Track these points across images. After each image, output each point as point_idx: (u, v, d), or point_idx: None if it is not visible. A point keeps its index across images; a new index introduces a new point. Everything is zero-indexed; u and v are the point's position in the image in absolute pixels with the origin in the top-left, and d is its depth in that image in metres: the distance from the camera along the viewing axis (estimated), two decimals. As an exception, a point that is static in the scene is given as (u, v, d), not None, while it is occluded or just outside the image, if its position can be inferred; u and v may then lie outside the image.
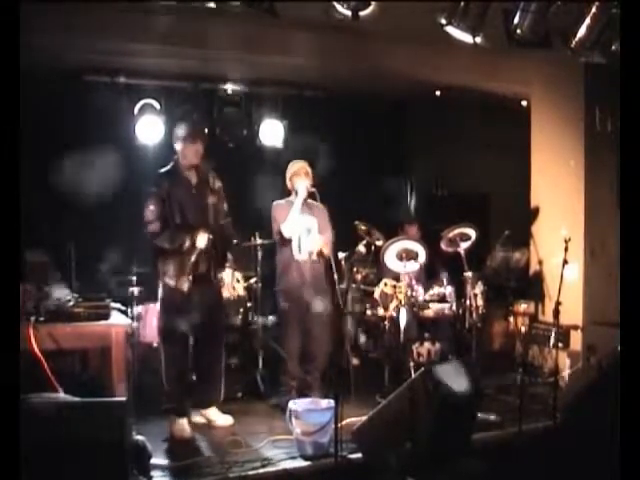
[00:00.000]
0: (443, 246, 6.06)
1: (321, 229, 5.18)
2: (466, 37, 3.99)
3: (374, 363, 5.98)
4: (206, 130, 4.80)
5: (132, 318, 5.21)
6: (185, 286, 4.44)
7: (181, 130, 4.66)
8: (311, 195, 5.07)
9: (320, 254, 5.14)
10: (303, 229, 5.12)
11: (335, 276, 4.60)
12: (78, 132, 6.12)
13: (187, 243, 4.42)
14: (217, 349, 4.79)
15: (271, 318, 6.21)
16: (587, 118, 5.75)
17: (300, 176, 5.12)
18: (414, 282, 5.98)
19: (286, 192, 5.29)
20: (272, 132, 6.78)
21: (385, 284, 5.91)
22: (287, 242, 5.10)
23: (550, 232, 6.02)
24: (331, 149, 6.81)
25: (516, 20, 4.08)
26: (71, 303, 3.88)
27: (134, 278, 5.67)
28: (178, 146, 4.64)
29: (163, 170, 4.67)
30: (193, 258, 4.43)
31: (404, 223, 6.67)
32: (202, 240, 4.43)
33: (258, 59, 5.75)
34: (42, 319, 3.68)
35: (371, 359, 6.21)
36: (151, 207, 4.48)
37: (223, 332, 4.94)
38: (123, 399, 3.26)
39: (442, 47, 4.55)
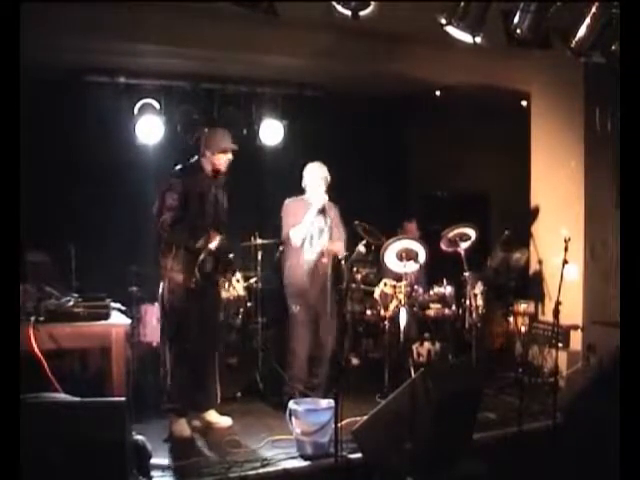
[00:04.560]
0: (443, 246, 6.06)
1: (333, 229, 5.16)
2: (466, 37, 3.98)
3: (374, 363, 5.98)
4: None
5: (132, 318, 5.20)
6: (192, 284, 4.44)
7: (213, 140, 4.66)
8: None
9: (330, 254, 5.13)
10: (315, 229, 5.11)
11: (344, 276, 4.63)
12: (78, 132, 6.12)
13: (202, 241, 4.42)
14: (215, 351, 4.79)
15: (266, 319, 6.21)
16: (587, 118, 5.75)
17: (317, 184, 5.09)
18: (414, 282, 5.99)
19: (286, 192, 5.28)
20: (272, 132, 6.78)
21: (385, 284, 5.91)
22: (295, 248, 5.08)
23: (550, 232, 6.02)
24: (331, 149, 6.81)
25: (516, 20, 4.07)
26: (71, 303, 3.87)
27: (134, 278, 5.67)
28: (207, 153, 4.63)
29: (185, 165, 4.67)
30: (202, 256, 4.43)
31: (404, 223, 6.68)
32: (216, 242, 4.44)
33: (258, 59, 5.75)
34: (42, 319, 3.68)
35: (371, 359, 6.21)
36: (174, 196, 4.44)
37: (220, 334, 4.94)
38: (123, 399, 3.25)
39: (442, 47, 4.54)
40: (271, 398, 5.30)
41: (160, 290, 4.58)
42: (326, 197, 5.06)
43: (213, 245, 4.43)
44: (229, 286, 5.98)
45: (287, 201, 5.18)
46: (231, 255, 4.71)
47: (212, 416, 4.78)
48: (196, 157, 4.69)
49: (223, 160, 4.65)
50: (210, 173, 4.66)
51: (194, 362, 4.65)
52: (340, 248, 5.17)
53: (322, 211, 5.13)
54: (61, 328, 3.72)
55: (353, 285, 6.08)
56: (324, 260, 5.12)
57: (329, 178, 5.14)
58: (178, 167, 4.66)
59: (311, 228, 5.08)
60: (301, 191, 5.22)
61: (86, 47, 5.23)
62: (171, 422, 4.53)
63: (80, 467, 2.86)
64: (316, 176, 5.11)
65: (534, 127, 6.39)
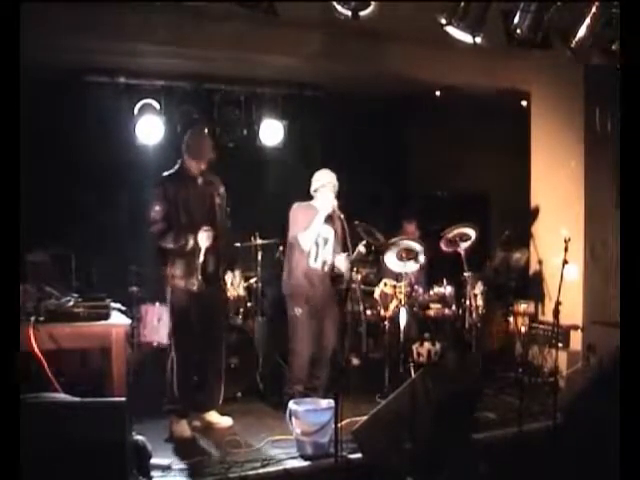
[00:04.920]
0: (443, 246, 6.06)
1: (339, 240, 5.14)
2: (466, 37, 3.98)
3: (374, 363, 5.98)
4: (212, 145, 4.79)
5: (132, 318, 5.21)
6: (195, 286, 4.43)
7: (189, 144, 4.66)
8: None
9: (333, 268, 5.12)
10: (321, 239, 5.08)
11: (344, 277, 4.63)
12: (78, 132, 6.12)
13: (191, 242, 4.42)
14: (218, 352, 4.78)
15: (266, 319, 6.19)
16: (587, 118, 5.75)
17: (326, 190, 5.03)
18: (414, 282, 5.98)
19: (286, 192, 5.27)
20: (272, 132, 6.78)
21: (385, 284, 5.91)
22: (301, 250, 5.06)
23: (550, 232, 6.02)
24: (331, 149, 6.81)
25: (516, 20, 4.07)
26: (71, 303, 3.87)
27: (134, 278, 5.66)
28: (185, 157, 4.64)
29: (169, 172, 4.68)
30: (201, 258, 4.42)
31: (404, 223, 6.67)
32: (204, 238, 4.41)
33: (258, 59, 5.74)
34: (42, 319, 3.68)
35: (371, 359, 6.21)
36: (156, 207, 4.48)
37: (223, 334, 4.94)
38: (123, 399, 3.25)
39: (442, 47, 4.54)
40: (271, 398, 5.30)
41: (167, 297, 4.60)
42: (335, 203, 4.98)
43: (203, 243, 4.41)
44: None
45: (295, 205, 5.13)
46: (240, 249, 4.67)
47: (213, 416, 4.77)
48: (179, 161, 4.69)
49: (198, 166, 4.63)
50: (193, 173, 4.64)
51: (199, 364, 4.65)
52: (342, 263, 5.10)
53: (329, 219, 5.09)
54: (61, 328, 3.72)
55: (353, 285, 6.07)
56: (327, 270, 5.11)
57: (337, 185, 5.09)
58: (163, 175, 4.67)
59: (318, 237, 5.06)
60: (309, 197, 5.18)
61: (86, 47, 5.22)
62: (172, 422, 4.53)
63: (80, 467, 2.86)
64: (325, 182, 5.05)
65: (534, 127, 6.39)
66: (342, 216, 5.03)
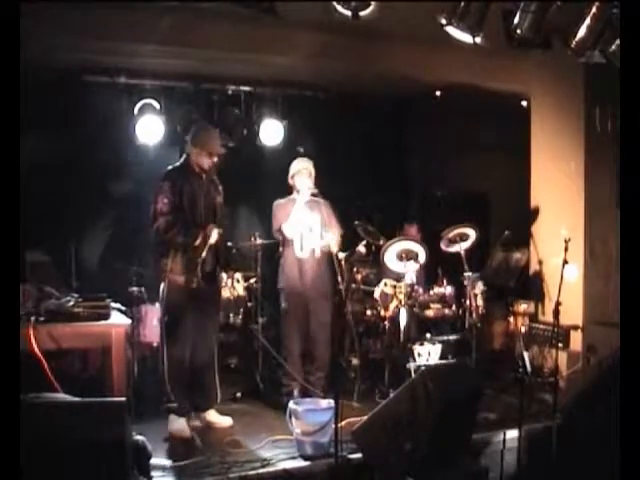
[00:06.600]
0: (443, 246, 6.06)
1: (326, 226, 5.16)
2: (466, 37, 3.98)
3: (374, 363, 5.98)
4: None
5: (132, 318, 5.20)
6: (194, 283, 4.43)
7: (199, 137, 4.65)
8: (314, 194, 5.09)
9: (323, 251, 5.13)
10: (305, 227, 5.11)
11: (338, 276, 4.65)
12: (78, 132, 6.12)
13: (200, 238, 4.42)
14: (212, 350, 4.76)
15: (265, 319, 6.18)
16: (587, 118, 5.75)
17: (303, 176, 5.12)
18: (414, 282, 5.98)
19: (287, 192, 5.29)
20: (272, 132, 6.78)
21: (385, 284, 5.91)
22: (288, 241, 5.10)
23: (550, 232, 6.02)
24: (331, 149, 6.81)
25: (516, 20, 4.08)
26: (71, 303, 3.87)
27: (134, 278, 5.66)
28: (193, 151, 4.62)
29: (174, 166, 4.67)
30: (204, 254, 4.42)
31: (404, 223, 6.67)
32: (214, 235, 4.44)
33: (258, 59, 5.75)
34: (42, 319, 3.68)
35: (371, 359, 6.21)
36: (164, 200, 4.44)
37: (217, 333, 4.94)
38: (123, 399, 3.25)
39: (442, 47, 4.55)
40: (271, 398, 5.30)
41: (160, 291, 4.58)
42: (311, 187, 5.06)
43: (213, 239, 4.43)
44: (232, 284, 5.98)
45: (276, 202, 5.24)
46: (234, 250, 4.69)
47: (212, 416, 4.77)
48: (184, 155, 4.69)
49: (207, 161, 4.62)
50: (198, 171, 4.64)
51: (194, 362, 4.64)
52: (331, 243, 5.09)
53: (310, 207, 5.13)
54: (61, 328, 3.72)
55: (353, 285, 6.08)
56: (316, 257, 5.13)
57: (313, 171, 5.15)
58: (168, 168, 4.66)
59: (301, 225, 5.08)
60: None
61: (86, 47, 5.23)
62: (171, 422, 4.53)
63: (80, 467, 2.86)
64: (300, 168, 5.14)
65: (534, 127, 6.39)
66: (323, 202, 5.07)
